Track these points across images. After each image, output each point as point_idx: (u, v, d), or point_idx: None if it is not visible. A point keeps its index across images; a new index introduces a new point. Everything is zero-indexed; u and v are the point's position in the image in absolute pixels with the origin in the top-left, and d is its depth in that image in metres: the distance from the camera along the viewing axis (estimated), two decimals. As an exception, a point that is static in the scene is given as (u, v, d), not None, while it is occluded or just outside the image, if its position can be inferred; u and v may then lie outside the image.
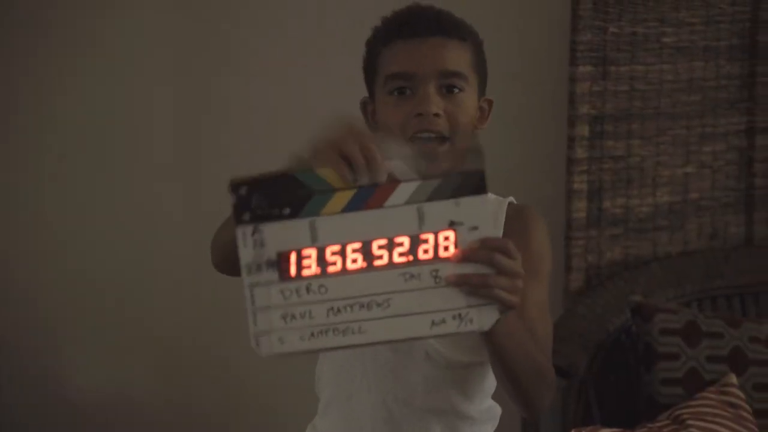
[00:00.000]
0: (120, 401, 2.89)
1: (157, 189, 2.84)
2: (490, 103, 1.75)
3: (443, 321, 1.38)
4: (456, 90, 1.67)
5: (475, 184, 1.37)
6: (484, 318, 1.38)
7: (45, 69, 2.76)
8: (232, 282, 2.88)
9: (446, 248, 1.38)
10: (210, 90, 2.82)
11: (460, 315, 1.38)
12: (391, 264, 1.38)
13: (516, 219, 1.73)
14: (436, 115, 1.65)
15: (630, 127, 2.79)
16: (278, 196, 1.38)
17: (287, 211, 1.38)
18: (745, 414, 2.44)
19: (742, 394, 2.47)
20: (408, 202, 1.38)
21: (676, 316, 2.57)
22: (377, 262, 1.38)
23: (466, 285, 1.37)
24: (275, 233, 1.38)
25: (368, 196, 1.38)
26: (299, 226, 1.37)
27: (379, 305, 1.38)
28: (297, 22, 2.83)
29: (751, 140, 2.92)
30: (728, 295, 2.80)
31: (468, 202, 1.37)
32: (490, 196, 1.74)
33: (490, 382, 1.74)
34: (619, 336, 2.65)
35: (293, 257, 1.38)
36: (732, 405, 2.44)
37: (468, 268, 1.37)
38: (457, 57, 1.67)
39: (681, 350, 2.53)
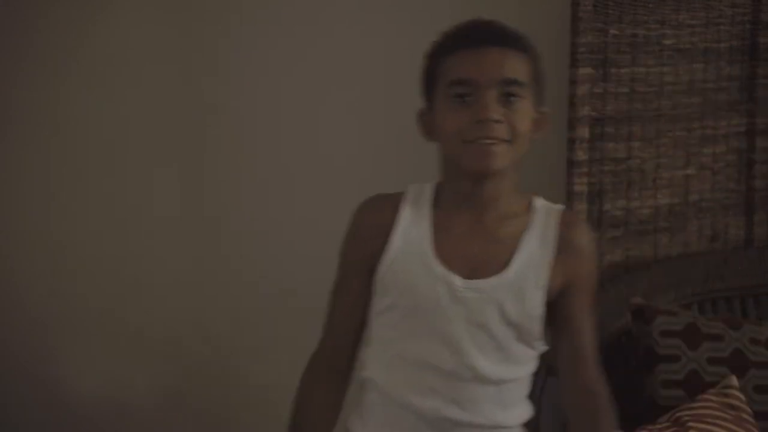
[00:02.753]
0: (119, 404, 2.89)
1: (157, 193, 2.84)
2: (546, 115, 1.81)
3: None
4: (514, 98, 1.73)
5: None
6: None
7: (45, 68, 2.76)
8: (233, 285, 2.90)
9: None
10: (209, 89, 2.82)
11: None
12: None
13: (568, 232, 1.80)
14: (497, 121, 1.71)
15: (630, 129, 2.79)
16: None
17: None
18: (745, 416, 2.44)
19: (742, 396, 2.47)
20: None
21: (676, 318, 2.57)
22: None
23: None
24: None
25: None
26: None
27: None
28: (297, 21, 2.83)
29: (751, 142, 2.92)
30: (728, 297, 2.80)
31: None
32: (537, 202, 1.82)
33: (527, 390, 1.85)
34: (619, 338, 2.65)
35: None
36: (733, 407, 2.44)
37: None
38: (517, 66, 1.75)
39: (681, 352, 2.53)
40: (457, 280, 1.75)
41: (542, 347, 1.83)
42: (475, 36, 1.77)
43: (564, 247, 1.78)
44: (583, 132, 2.73)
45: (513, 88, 1.73)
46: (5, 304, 2.81)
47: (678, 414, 2.43)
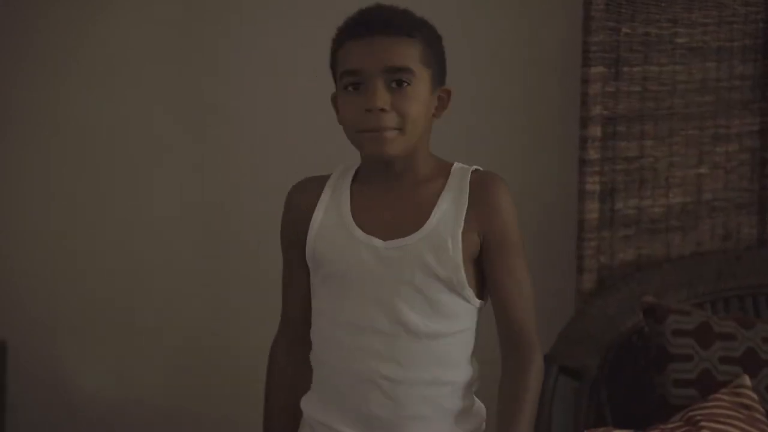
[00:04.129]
0: (125, 405, 2.89)
1: (157, 192, 2.84)
2: (448, 93, 1.88)
3: None
4: (405, 84, 1.80)
5: None
6: None
7: (45, 68, 2.77)
8: (236, 283, 2.90)
9: None
10: (209, 89, 2.83)
11: None
12: None
13: (480, 187, 1.86)
14: (383, 110, 1.79)
15: (643, 128, 2.79)
16: None
17: None
18: (758, 416, 2.43)
19: (755, 396, 2.46)
20: None
21: (688, 317, 2.56)
22: None
23: None
24: None
25: None
26: None
27: None
28: (297, 21, 2.83)
29: (764, 141, 2.91)
30: (741, 296, 2.79)
31: None
32: (456, 165, 1.90)
33: (468, 348, 1.89)
34: (631, 337, 2.65)
35: None
36: (745, 407, 2.44)
37: None
38: (402, 53, 1.81)
39: (694, 351, 2.53)
40: (378, 242, 1.84)
41: (476, 300, 1.88)
42: (362, 26, 1.84)
43: (475, 202, 1.85)
44: (595, 131, 2.73)
45: (399, 75, 1.81)
46: (7, 305, 2.83)
47: (690, 413, 2.42)
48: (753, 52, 2.87)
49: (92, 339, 2.86)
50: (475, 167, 1.90)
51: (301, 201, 1.93)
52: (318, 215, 1.89)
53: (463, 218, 1.84)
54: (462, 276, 1.84)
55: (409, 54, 1.82)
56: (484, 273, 1.88)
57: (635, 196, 2.79)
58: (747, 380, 2.49)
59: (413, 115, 1.82)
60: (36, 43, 2.77)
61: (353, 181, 1.92)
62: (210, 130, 2.85)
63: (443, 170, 1.89)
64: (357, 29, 1.85)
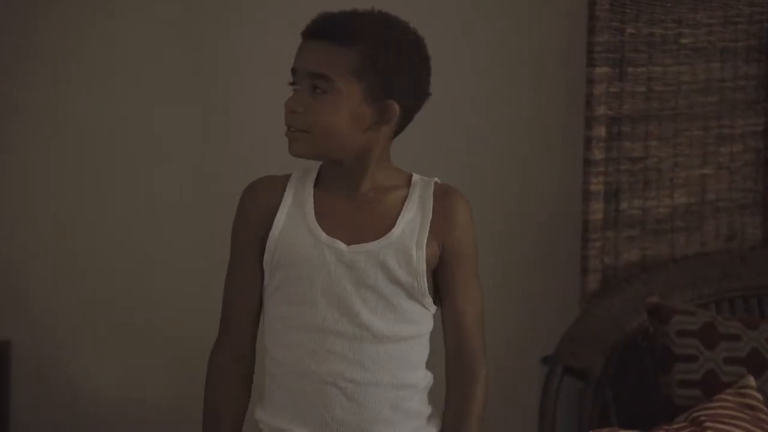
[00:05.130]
0: (130, 405, 2.89)
1: (157, 193, 2.84)
2: (393, 108, 1.84)
3: None
4: (319, 92, 1.82)
5: None
6: None
7: (45, 68, 2.76)
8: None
9: None
10: (209, 89, 2.83)
11: None
12: None
13: (443, 199, 1.89)
14: (294, 111, 1.83)
15: (647, 129, 2.78)
16: None
17: None
18: (763, 416, 2.43)
19: (760, 396, 2.47)
20: None
21: (693, 317, 2.56)
22: None
23: None
24: None
25: None
26: None
27: None
28: (297, 21, 2.82)
29: (768, 141, 2.92)
30: (745, 297, 2.80)
31: None
32: (416, 177, 1.91)
33: (426, 352, 1.91)
34: (636, 338, 2.65)
35: None
36: (750, 407, 2.44)
37: None
38: (324, 61, 1.82)
39: (698, 352, 2.53)
40: (341, 245, 1.84)
41: (432, 306, 1.90)
42: (308, 28, 1.86)
43: (438, 213, 1.87)
44: (600, 131, 2.72)
45: (318, 81, 1.82)
46: (11, 305, 2.82)
47: (695, 414, 2.42)
48: (757, 53, 2.88)
49: (94, 339, 2.86)
50: (435, 178, 1.91)
51: (264, 201, 1.90)
52: (281, 217, 1.88)
53: (428, 228, 1.86)
54: (424, 284, 1.86)
55: (334, 62, 1.81)
56: (438, 282, 1.90)
57: (640, 196, 2.79)
58: (752, 381, 2.49)
59: (321, 123, 1.81)
60: (36, 43, 2.77)
61: (315, 184, 1.91)
62: (210, 130, 2.84)
63: (403, 180, 1.91)
64: (305, 31, 1.87)
